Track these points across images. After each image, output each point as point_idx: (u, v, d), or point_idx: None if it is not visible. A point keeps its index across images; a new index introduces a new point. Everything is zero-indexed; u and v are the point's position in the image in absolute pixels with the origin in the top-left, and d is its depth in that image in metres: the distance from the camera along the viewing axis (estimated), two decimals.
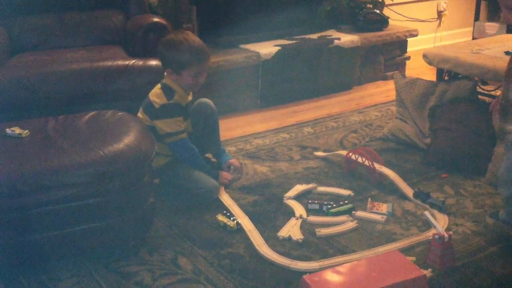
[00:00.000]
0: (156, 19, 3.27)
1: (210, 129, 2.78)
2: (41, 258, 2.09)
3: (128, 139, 2.15)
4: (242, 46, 3.84)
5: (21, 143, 2.14)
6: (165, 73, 2.58)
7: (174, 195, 2.57)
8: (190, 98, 2.68)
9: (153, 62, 3.05)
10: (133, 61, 3.05)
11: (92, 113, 2.39)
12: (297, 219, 2.40)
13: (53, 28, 3.37)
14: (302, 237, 2.27)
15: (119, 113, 2.39)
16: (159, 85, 2.59)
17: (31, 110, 2.85)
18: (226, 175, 2.71)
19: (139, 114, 2.59)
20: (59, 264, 2.11)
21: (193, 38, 2.55)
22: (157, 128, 2.53)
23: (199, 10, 3.88)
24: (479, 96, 3.14)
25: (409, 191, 2.57)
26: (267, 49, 3.76)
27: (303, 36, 4.02)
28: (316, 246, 2.23)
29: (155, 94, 2.55)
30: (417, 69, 4.40)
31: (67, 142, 2.13)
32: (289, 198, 2.57)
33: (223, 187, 2.66)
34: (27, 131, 2.21)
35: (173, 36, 2.57)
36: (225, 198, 2.57)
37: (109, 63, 3.02)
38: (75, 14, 3.45)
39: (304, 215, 2.42)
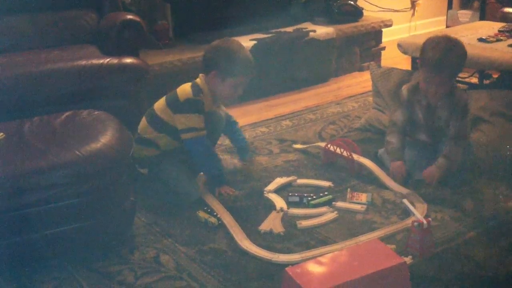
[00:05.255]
0: (130, 17, 3.23)
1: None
2: (22, 261, 2.07)
3: (105, 139, 2.14)
4: None
5: None
6: (200, 76, 2.60)
7: (157, 188, 2.58)
8: (221, 111, 2.70)
9: (128, 60, 3.03)
10: (108, 59, 3.02)
11: (68, 113, 2.37)
12: (278, 212, 2.41)
13: (26, 28, 3.31)
14: (283, 230, 2.28)
15: (95, 113, 2.37)
16: (189, 83, 2.60)
17: (6, 113, 2.81)
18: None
19: (159, 107, 2.59)
20: (39, 267, 2.09)
21: (246, 51, 2.63)
22: (177, 123, 2.53)
23: (174, 7, 3.87)
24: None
25: (387, 180, 2.60)
26: (243, 43, 3.73)
27: (278, 30, 4.02)
28: (298, 238, 2.24)
29: (183, 89, 2.58)
30: (393, 59, 4.42)
31: (43, 144, 2.11)
32: (270, 191, 2.57)
33: (202, 183, 2.65)
34: (2, 134, 2.18)
35: (228, 43, 2.61)
36: (206, 194, 2.57)
37: (84, 62, 2.98)
38: (48, 14, 3.39)
39: (285, 208, 2.43)
